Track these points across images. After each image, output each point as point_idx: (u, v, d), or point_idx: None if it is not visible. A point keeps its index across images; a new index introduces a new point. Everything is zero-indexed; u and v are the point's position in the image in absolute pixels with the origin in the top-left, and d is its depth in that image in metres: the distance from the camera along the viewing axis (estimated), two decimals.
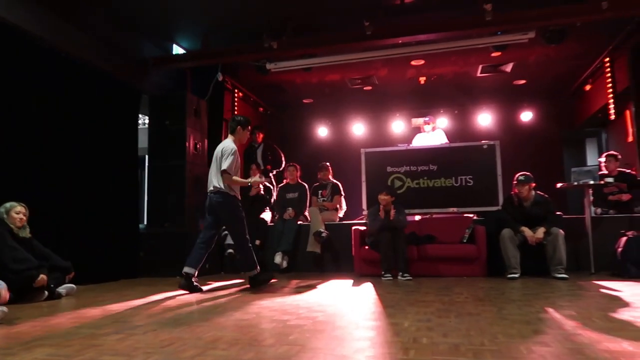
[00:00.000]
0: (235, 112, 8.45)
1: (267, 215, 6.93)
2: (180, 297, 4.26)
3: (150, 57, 6.76)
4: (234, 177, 4.62)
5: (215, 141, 7.53)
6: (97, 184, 5.72)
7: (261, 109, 9.75)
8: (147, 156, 6.85)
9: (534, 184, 5.43)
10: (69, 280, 4.61)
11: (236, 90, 8.49)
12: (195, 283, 4.63)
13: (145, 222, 6.97)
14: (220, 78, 7.07)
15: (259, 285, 4.70)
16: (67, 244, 5.15)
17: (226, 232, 6.69)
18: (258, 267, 4.72)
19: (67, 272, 4.60)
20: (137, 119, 6.72)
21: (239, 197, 4.79)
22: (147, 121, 7.69)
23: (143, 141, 6.82)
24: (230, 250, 6.60)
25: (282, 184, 7.13)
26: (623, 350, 2.10)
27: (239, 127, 4.79)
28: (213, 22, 6.47)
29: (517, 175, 5.47)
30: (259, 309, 3.46)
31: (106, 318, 3.21)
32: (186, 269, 4.61)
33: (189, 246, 6.11)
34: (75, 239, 5.33)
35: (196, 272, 4.65)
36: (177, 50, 7.24)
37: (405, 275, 5.34)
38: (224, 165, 4.55)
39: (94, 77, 5.79)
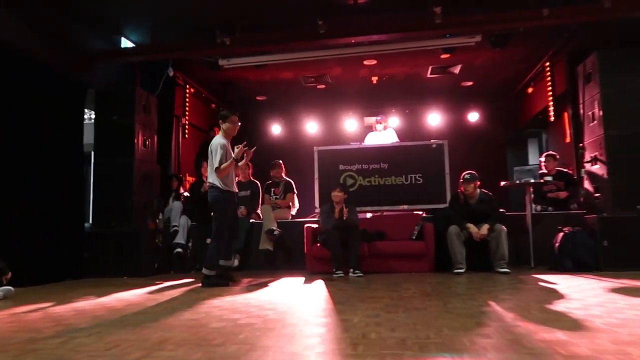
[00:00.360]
0: (187, 109, 8.30)
1: None
2: (127, 297, 4.14)
3: (97, 50, 6.50)
4: (222, 166, 4.72)
5: (165, 137, 7.39)
6: (38, 180, 5.43)
7: (213, 106, 9.60)
8: (92, 152, 6.59)
9: (479, 182, 5.65)
10: (7, 281, 4.38)
11: (188, 86, 8.32)
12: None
13: (90, 221, 6.72)
14: (171, 73, 6.91)
15: (210, 286, 4.68)
16: (4, 243, 4.87)
17: (175, 228, 6.59)
18: (215, 272, 4.78)
19: (3, 274, 4.37)
20: (82, 113, 6.45)
21: (235, 191, 4.98)
22: (93, 116, 7.40)
23: (89, 137, 6.56)
24: (179, 250, 6.50)
25: None
26: (557, 339, 2.22)
27: (220, 121, 5.00)
28: (164, 17, 6.29)
29: (463, 174, 5.68)
30: (209, 308, 3.42)
31: (47, 321, 3.07)
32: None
33: (137, 246, 6.01)
34: (14, 238, 5.04)
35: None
36: (126, 44, 6.99)
37: (357, 272, 5.42)
38: (215, 163, 4.71)
39: (34, 68, 5.49)
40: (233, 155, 4.85)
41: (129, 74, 6.93)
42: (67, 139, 5.97)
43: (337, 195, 5.70)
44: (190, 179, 8.03)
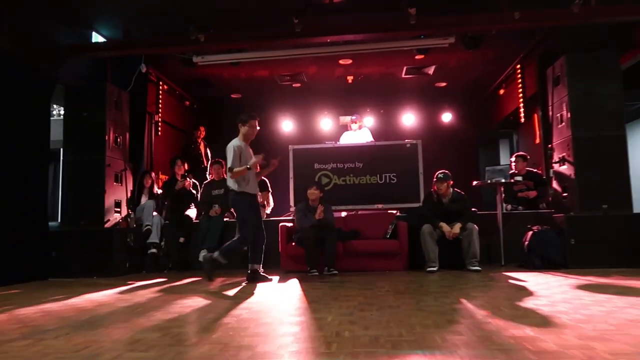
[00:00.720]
0: (160, 106, 8.17)
1: (192, 212, 6.77)
2: (96, 298, 4.05)
3: (67, 44, 6.32)
4: (235, 169, 4.75)
5: (138, 134, 7.25)
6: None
7: (187, 103, 9.47)
8: (62, 149, 6.42)
9: (452, 182, 5.75)
10: None
11: (161, 83, 8.19)
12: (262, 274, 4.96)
13: (59, 220, 6.55)
14: (144, 69, 6.78)
15: (255, 280, 4.85)
16: None
17: (148, 226, 6.47)
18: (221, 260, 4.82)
19: None
20: (49, 108, 6.25)
21: (253, 193, 4.99)
22: (63, 112, 7.21)
23: (58, 133, 6.39)
24: (153, 250, 6.39)
25: (207, 181, 6.99)
26: (526, 335, 2.28)
27: (239, 124, 5.05)
28: (137, 11, 6.16)
29: (437, 173, 5.76)
30: (182, 308, 3.38)
31: (12, 323, 2.99)
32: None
33: (108, 245, 5.88)
34: None
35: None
36: (97, 38, 6.82)
37: (331, 270, 5.44)
38: (228, 164, 4.82)
39: None
40: (248, 164, 4.83)
41: (100, 69, 6.77)
42: (32, 135, 5.79)
43: (313, 193, 5.71)
44: (163, 177, 7.91)
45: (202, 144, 8.36)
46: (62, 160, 6.38)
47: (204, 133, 8.44)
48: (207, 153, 8.32)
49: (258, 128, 5.08)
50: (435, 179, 5.73)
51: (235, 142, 4.95)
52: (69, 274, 5.76)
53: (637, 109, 9.13)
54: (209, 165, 7.43)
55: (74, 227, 6.00)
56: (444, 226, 5.49)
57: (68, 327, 2.81)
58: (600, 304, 3.06)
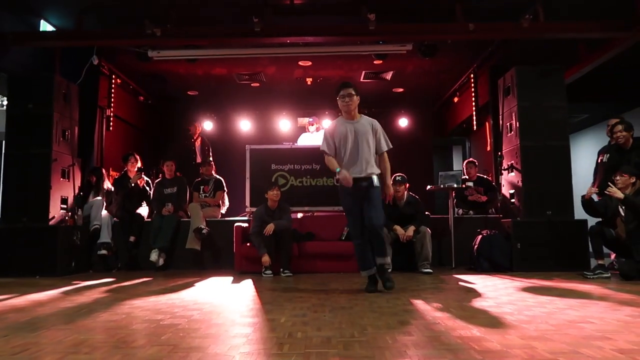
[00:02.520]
0: (112, 100, 7.90)
1: (144, 211, 6.58)
2: (38, 298, 3.86)
3: (11, 31, 6.01)
4: (328, 158, 4.14)
5: (88, 129, 6.96)
6: None
7: (141, 98, 9.22)
8: (4, 142, 6.08)
9: (408, 185, 5.86)
10: None
11: (114, 77, 7.93)
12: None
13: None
14: (95, 62, 6.53)
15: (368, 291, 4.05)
16: None
17: (96, 226, 6.23)
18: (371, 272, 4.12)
19: None
20: None
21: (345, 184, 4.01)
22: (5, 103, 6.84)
23: (1, 125, 6.06)
24: (104, 252, 6.15)
25: (159, 179, 6.81)
26: (472, 335, 2.35)
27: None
28: (91, 1, 5.95)
29: (394, 176, 5.84)
30: (130, 309, 3.28)
31: None
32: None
33: (53, 243, 5.62)
34: None
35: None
36: (46, 27, 6.51)
37: (286, 271, 5.43)
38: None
39: None
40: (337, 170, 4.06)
41: (48, 59, 6.47)
42: None
43: (276, 194, 5.65)
44: (114, 173, 7.65)
45: (198, 141, 8.15)
46: (4, 153, 6.05)
47: (199, 129, 8.30)
48: (204, 150, 8.03)
49: (346, 100, 4.12)
50: (392, 182, 5.81)
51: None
52: (10, 273, 5.46)
53: (580, 121, 9.64)
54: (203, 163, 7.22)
55: (15, 224, 5.69)
56: (398, 229, 5.59)
57: (6, 328, 2.66)
58: (543, 306, 3.20)
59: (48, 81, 5.95)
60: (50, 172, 5.81)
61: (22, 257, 5.56)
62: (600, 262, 4.94)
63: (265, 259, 5.40)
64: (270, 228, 5.45)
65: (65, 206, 6.07)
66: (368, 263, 4.09)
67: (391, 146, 4.23)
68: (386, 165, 4.21)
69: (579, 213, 5.49)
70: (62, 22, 6.39)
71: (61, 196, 6.00)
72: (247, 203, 6.50)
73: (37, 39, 6.30)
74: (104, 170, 6.94)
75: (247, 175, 6.57)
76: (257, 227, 5.55)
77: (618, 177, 4.91)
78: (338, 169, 4.01)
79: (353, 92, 4.12)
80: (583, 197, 5.11)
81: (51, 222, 5.76)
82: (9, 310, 3.31)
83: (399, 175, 5.82)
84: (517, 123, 5.93)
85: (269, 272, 5.40)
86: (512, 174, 6.06)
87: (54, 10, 6.19)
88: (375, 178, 4.05)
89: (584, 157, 9.52)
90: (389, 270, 4.15)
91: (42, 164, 5.80)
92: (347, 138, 4.06)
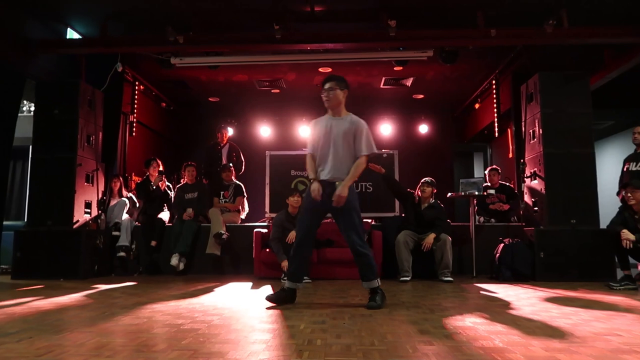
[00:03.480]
0: (135, 106, 8.04)
1: (165, 215, 6.66)
2: (62, 301, 3.93)
3: (40, 39, 6.17)
4: (308, 159, 3.90)
5: (111, 135, 7.10)
6: None
7: (164, 104, 9.36)
8: (31, 147, 6.22)
9: (435, 190, 5.88)
10: None
11: (137, 83, 8.07)
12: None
13: (25, 220, 6.34)
14: (119, 69, 6.65)
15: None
16: None
17: (117, 232, 6.33)
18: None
19: None
20: (16, 104, 6.06)
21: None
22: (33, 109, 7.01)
23: (28, 130, 6.20)
24: (122, 254, 6.24)
25: (180, 184, 6.89)
26: (495, 347, 2.31)
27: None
28: (115, 9, 6.07)
29: (425, 178, 5.86)
30: (151, 313, 3.31)
31: None
32: None
33: (76, 246, 5.72)
34: None
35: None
36: (72, 35, 6.67)
37: (305, 278, 5.42)
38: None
39: None
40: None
41: (74, 66, 6.61)
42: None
43: (297, 200, 5.65)
44: (136, 178, 7.77)
45: (226, 147, 7.82)
46: (31, 157, 6.20)
47: (227, 135, 8.00)
48: (230, 155, 7.73)
49: (325, 94, 3.86)
50: (422, 181, 5.83)
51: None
52: (34, 275, 5.58)
53: (605, 128, 9.43)
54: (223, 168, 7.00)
55: (40, 227, 5.82)
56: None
57: (31, 330, 2.71)
58: (567, 317, 3.13)
59: (74, 88, 6.09)
60: (75, 176, 5.92)
61: (47, 259, 5.68)
62: (626, 272, 4.81)
63: (285, 264, 5.40)
64: (292, 236, 5.44)
65: (88, 210, 6.18)
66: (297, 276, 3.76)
67: (374, 151, 3.77)
68: (355, 171, 3.70)
69: (605, 222, 5.36)
70: (88, 30, 6.53)
71: (85, 200, 6.11)
72: (267, 209, 6.54)
73: (64, 46, 6.46)
74: (127, 175, 7.05)
75: (267, 181, 6.61)
76: (277, 233, 5.56)
77: (629, 194, 4.78)
78: (311, 179, 3.74)
79: (335, 86, 3.77)
80: (613, 229, 4.92)
81: (75, 226, 5.87)
82: (34, 312, 3.38)
83: (430, 179, 5.88)
84: (541, 130, 5.84)
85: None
86: (535, 181, 5.96)
87: (80, 18, 6.34)
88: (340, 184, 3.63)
89: (610, 164, 9.30)
90: (378, 292, 3.68)
91: (67, 169, 5.92)
92: (323, 135, 3.74)
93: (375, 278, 3.71)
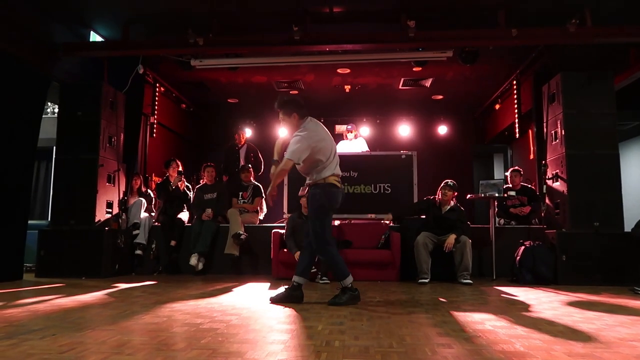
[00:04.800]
0: (156, 108, 8.15)
1: (184, 216, 6.73)
2: (84, 299, 4.00)
3: (64, 42, 6.30)
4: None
5: (132, 136, 7.21)
6: None
7: (183, 106, 9.47)
8: (54, 148, 6.36)
9: (456, 193, 5.83)
10: None
11: (158, 85, 8.18)
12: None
13: (49, 219, 6.47)
14: (141, 71, 6.74)
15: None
16: None
17: (137, 231, 6.44)
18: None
19: None
20: (41, 106, 6.19)
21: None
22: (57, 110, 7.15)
23: (52, 131, 6.33)
24: (139, 252, 6.35)
25: (199, 185, 6.95)
26: (515, 350, 2.27)
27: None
28: (136, 12, 6.17)
29: (447, 180, 5.81)
30: (171, 312, 3.35)
31: None
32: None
33: (98, 245, 5.82)
34: None
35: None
36: (95, 38, 6.80)
37: (324, 278, 5.42)
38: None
39: None
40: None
41: (97, 69, 6.73)
42: (23, 132, 5.72)
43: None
44: (156, 179, 7.87)
45: (243, 149, 7.87)
46: (55, 158, 6.32)
47: (244, 137, 8.04)
48: (248, 156, 7.76)
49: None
50: (443, 184, 5.79)
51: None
52: (58, 273, 5.70)
53: (630, 129, 9.22)
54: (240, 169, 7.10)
55: (63, 226, 5.94)
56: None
57: (53, 327, 2.77)
58: (590, 322, 3.06)
59: (97, 90, 6.20)
60: (97, 177, 6.03)
61: (69, 258, 5.79)
62: None
63: (298, 254, 5.42)
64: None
65: (110, 210, 6.28)
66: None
67: (290, 158, 3.94)
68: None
69: (629, 225, 5.24)
70: (110, 33, 6.65)
71: (107, 200, 6.22)
72: (285, 209, 6.55)
73: (87, 49, 6.59)
74: (147, 175, 7.14)
75: (285, 182, 6.61)
76: (289, 230, 5.68)
77: None
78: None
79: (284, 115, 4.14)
80: (638, 232, 4.82)
81: (97, 226, 5.97)
82: (57, 310, 3.44)
83: (452, 181, 5.83)
84: (563, 131, 5.74)
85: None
86: (557, 183, 5.86)
87: (103, 21, 6.45)
88: (307, 189, 4.04)
89: (635, 166, 9.10)
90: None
91: (90, 169, 6.04)
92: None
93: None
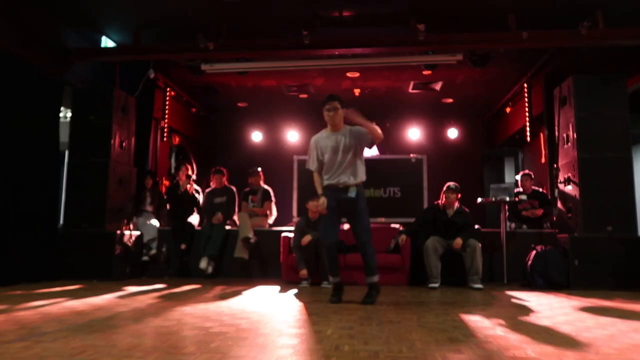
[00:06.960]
0: (166, 112, 8.21)
1: (194, 219, 6.76)
2: (95, 302, 4.03)
3: (76, 47, 6.38)
4: (315, 176, 4.36)
5: (143, 140, 7.27)
6: (11, 179, 5.26)
7: (194, 110, 9.52)
8: (67, 152, 6.43)
9: (460, 195, 5.76)
10: None
11: (168, 89, 8.24)
12: None
13: (61, 222, 6.54)
14: (152, 75, 6.80)
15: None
16: None
17: (153, 251, 6.50)
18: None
19: None
20: (58, 111, 6.29)
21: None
22: (69, 115, 7.24)
23: (64, 135, 6.42)
24: (145, 258, 6.40)
25: (209, 189, 6.99)
26: (527, 356, 2.25)
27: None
28: (146, 17, 6.23)
29: (448, 183, 5.75)
30: (181, 315, 3.36)
31: (10, 324, 2.97)
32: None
33: (109, 249, 5.87)
34: None
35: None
36: (106, 43, 6.88)
37: (325, 282, 5.42)
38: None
39: (9, 63, 5.31)
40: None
41: (108, 73, 6.81)
42: (43, 137, 5.82)
43: (316, 205, 5.66)
44: (166, 182, 7.92)
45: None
46: (67, 162, 6.40)
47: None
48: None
49: (331, 114, 4.31)
50: (445, 188, 5.73)
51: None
52: (69, 276, 5.75)
53: None
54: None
55: (75, 229, 6.00)
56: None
57: (66, 330, 2.79)
58: (603, 327, 3.02)
59: (108, 94, 6.27)
60: (108, 180, 6.09)
61: (81, 261, 5.84)
62: None
63: (303, 272, 5.47)
64: (306, 239, 5.46)
65: (121, 213, 6.32)
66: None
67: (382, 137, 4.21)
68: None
69: None
70: (121, 38, 6.72)
71: (118, 204, 6.26)
72: (294, 213, 6.56)
73: (99, 54, 6.67)
74: (158, 179, 7.19)
75: (295, 185, 6.63)
76: (297, 240, 5.60)
77: None
78: (321, 193, 4.19)
79: (338, 106, 4.27)
80: None
81: (108, 229, 6.02)
82: (69, 312, 3.47)
83: (454, 184, 5.76)
84: (575, 134, 5.68)
85: (304, 282, 5.52)
86: (569, 187, 5.80)
87: (114, 26, 6.52)
88: (354, 189, 4.13)
89: None
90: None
91: (101, 173, 6.10)
92: (332, 149, 4.18)
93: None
